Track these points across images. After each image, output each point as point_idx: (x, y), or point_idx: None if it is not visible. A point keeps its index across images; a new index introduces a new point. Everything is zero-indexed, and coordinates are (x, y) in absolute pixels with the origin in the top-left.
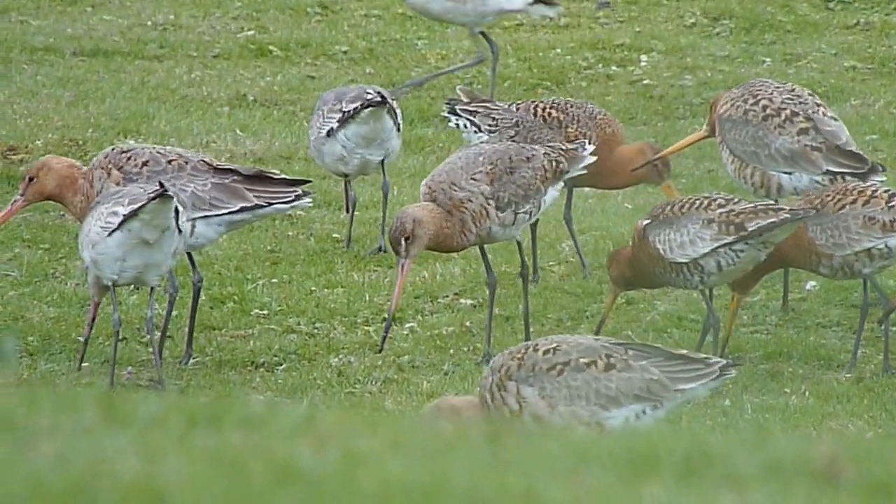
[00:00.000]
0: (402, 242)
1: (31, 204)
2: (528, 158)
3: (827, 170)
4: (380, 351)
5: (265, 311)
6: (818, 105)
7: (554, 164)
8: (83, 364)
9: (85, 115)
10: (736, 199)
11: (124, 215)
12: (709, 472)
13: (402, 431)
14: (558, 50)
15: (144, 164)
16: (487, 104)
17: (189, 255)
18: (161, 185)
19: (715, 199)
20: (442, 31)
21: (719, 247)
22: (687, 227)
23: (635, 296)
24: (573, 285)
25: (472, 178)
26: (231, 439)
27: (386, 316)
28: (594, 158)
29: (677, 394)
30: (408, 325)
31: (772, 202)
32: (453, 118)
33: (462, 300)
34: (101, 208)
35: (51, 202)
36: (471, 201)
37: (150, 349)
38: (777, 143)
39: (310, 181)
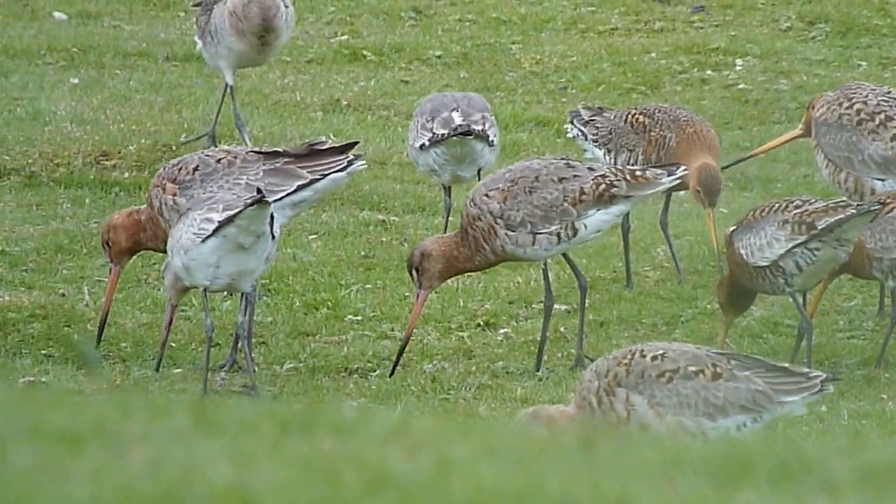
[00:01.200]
0: (414, 274)
1: (125, 264)
2: (561, 179)
3: None
4: (391, 376)
5: (359, 317)
6: None
7: (601, 187)
8: (176, 371)
9: (178, 121)
10: (813, 200)
11: (220, 221)
12: (804, 479)
13: (495, 438)
14: (653, 54)
15: (195, 169)
16: (602, 114)
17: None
18: (259, 191)
19: (793, 201)
20: (536, 35)
21: (794, 247)
22: (765, 230)
23: None
24: (668, 290)
25: (485, 196)
26: (323, 446)
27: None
28: (673, 182)
29: (779, 406)
30: (502, 331)
31: (843, 199)
32: (570, 128)
33: (556, 305)
34: (193, 214)
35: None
36: (480, 219)
37: (242, 355)
38: (870, 149)
39: (357, 143)
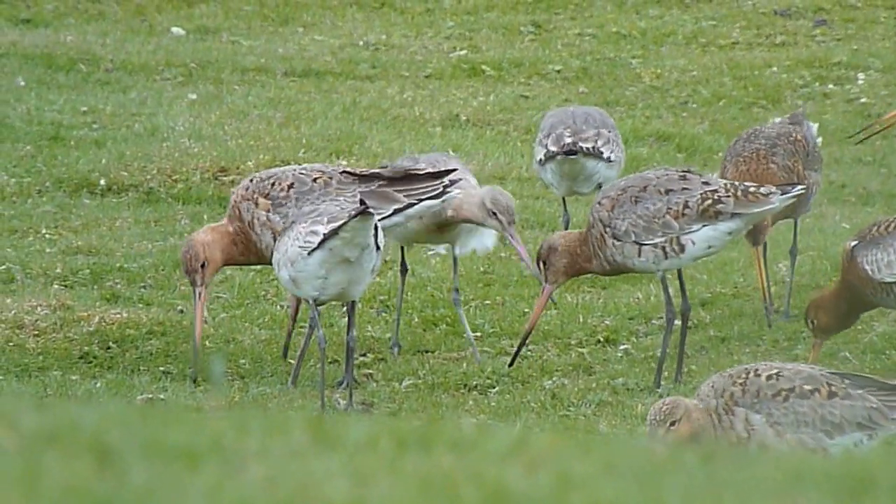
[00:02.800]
0: (541, 267)
1: (210, 286)
2: (668, 191)
3: None
4: (510, 366)
5: (478, 333)
6: None
7: (706, 202)
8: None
9: (296, 136)
10: None
11: (325, 234)
12: None
13: (615, 454)
14: (774, 68)
15: (290, 186)
16: None
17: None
18: (362, 202)
19: None
20: (656, 49)
21: None
22: (893, 246)
23: None
24: (791, 306)
25: (598, 203)
26: (442, 462)
27: (522, 335)
28: (788, 202)
29: (893, 423)
30: (622, 347)
31: None
32: None
33: (676, 321)
34: (299, 227)
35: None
36: (593, 227)
37: (359, 371)
38: None
39: (454, 170)
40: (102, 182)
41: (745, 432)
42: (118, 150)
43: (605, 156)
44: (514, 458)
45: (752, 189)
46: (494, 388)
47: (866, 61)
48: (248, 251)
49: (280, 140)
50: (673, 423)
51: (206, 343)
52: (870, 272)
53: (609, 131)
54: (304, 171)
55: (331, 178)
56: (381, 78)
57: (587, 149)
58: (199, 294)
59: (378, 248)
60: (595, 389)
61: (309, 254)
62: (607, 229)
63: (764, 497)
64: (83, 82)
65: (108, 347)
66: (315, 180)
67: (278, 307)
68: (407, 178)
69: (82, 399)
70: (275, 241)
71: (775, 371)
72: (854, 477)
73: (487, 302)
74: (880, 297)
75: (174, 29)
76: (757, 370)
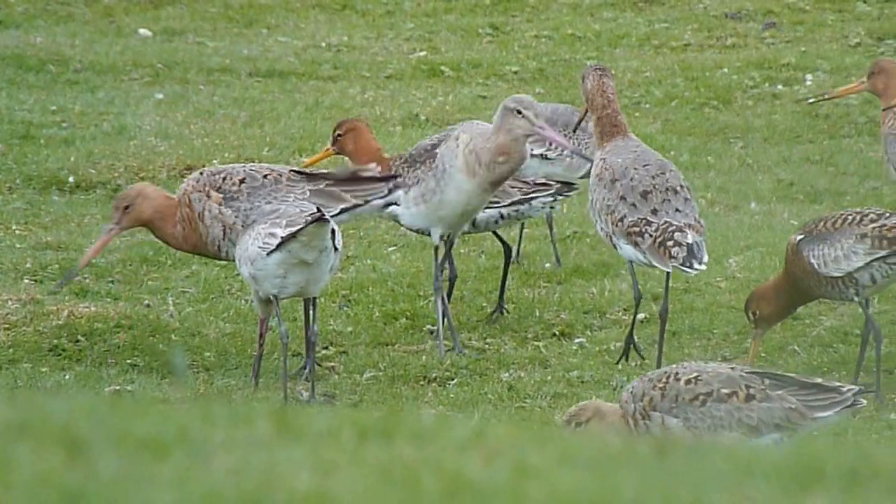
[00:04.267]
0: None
1: (123, 231)
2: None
3: None
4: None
5: (437, 327)
6: None
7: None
8: (259, 380)
9: (260, 135)
10: (888, 214)
11: (282, 237)
12: (873, 485)
13: (570, 445)
14: (725, 69)
15: (242, 181)
16: None
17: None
18: (318, 209)
19: (867, 214)
20: (611, 51)
21: (873, 260)
22: (840, 242)
23: (800, 311)
24: (740, 301)
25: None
26: (403, 453)
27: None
28: None
29: (813, 422)
30: (577, 341)
31: None
32: None
33: (629, 315)
34: (259, 227)
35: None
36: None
37: (321, 364)
38: None
39: (399, 176)
40: (71, 179)
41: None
42: (87, 148)
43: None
44: (472, 449)
45: None
46: (453, 380)
47: (814, 63)
48: (188, 239)
49: (244, 139)
50: (578, 425)
51: (172, 336)
52: (816, 266)
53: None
54: (254, 168)
55: (280, 175)
56: (343, 78)
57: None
58: (108, 231)
59: (336, 249)
60: (551, 382)
61: (268, 254)
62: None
63: (716, 488)
64: (53, 82)
65: (77, 341)
66: (266, 176)
67: (243, 301)
68: (354, 179)
69: (52, 391)
70: (223, 234)
71: (694, 375)
72: (803, 468)
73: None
74: (825, 290)
75: (141, 30)
76: (677, 374)
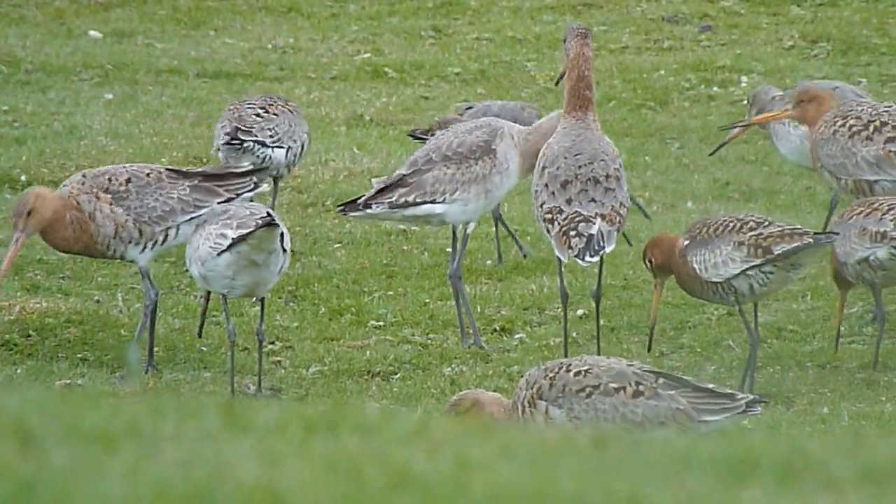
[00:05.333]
0: None
1: (29, 237)
2: None
3: None
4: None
5: (381, 323)
6: None
7: None
8: (206, 374)
9: (208, 135)
10: (767, 223)
11: (233, 239)
12: (807, 477)
13: (512, 438)
14: (662, 71)
15: (128, 181)
16: None
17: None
18: (269, 213)
19: (747, 222)
20: (551, 53)
21: (748, 269)
22: (720, 248)
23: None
24: (676, 297)
25: None
26: (348, 445)
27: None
28: None
29: (700, 425)
30: (517, 336)
31: (798, 226)
32: None
33: (569, 311)
34: (210, 228)
35: None
36: None
37: (268, 358)
38: (863, 151)
39: (264, 169)
40: (23, 178)
41: (543, 424)
42: (38, 147)
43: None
44: (416, 442)
45: None
46: (396, 374)
47: (749, 65)
48: (79, 240)
49: (192, 138)
50: (458, 414)
51: (122, 332)
52: (698, 271)
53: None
54: (134, 168)
55: (161, 173)
56: (289, 79)
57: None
58: (16, 240)
59: (285, 251)
60: (492, 376)
61: (218, 255)
62: None
63: (654, 480)
64: (4, 83)
65: (29, 335)
66: (148, 175)
67: (191, 297)
68: (226, 175)
69: (4, 385)
70: (115, 232)
71: (586, 367)
72: (738, 459)
73: (390, 293)
74: (707, 293)
75: (91, 32)
76: (569, 365)
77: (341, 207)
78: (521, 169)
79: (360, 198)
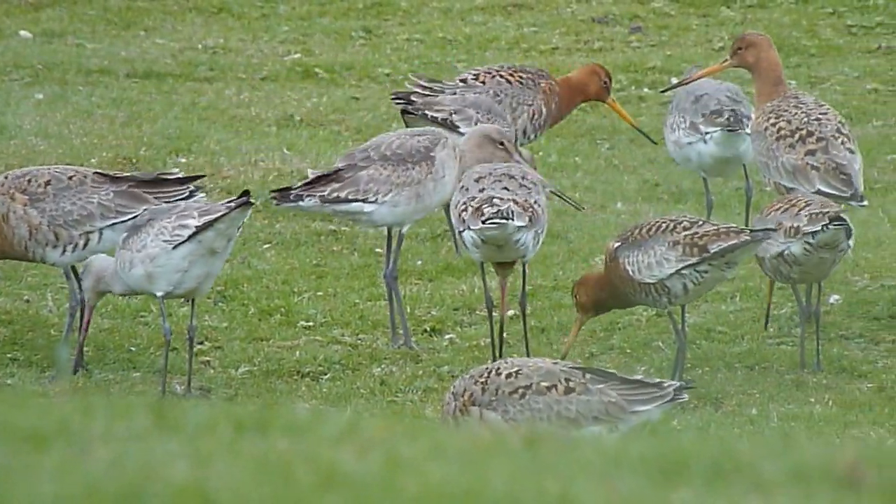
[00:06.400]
0: None
1: None
2: None
3: (819, 188)
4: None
5: (311, 323)
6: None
7: None
8: (136, 374)
9: (138, 135)
10: (701, 222)
11: (197, 226)
12: (736, 478)
13: (441, 438)
14: None
15: (47, 183)
16: None
17: (73, 268)
18: (246, 192)
19: (680, 222)
20: (481, 54)
21: (683, 268)
22: (654, 249)
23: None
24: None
25: None
26: (278, 445)
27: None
28: None
29: (633, 416)
30: (447, 337)
31: (733, 224)
32: None
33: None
34: (160, 224)
35: None
36: None
37: (197, 359)
38: (783, 158)
39: (203, 176)
40: None
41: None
42: None
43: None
44: (346, 442)
45: None
46: (326, 374)
47: (679, 66)
48: None
49: (122, 138)
50: None
51: (52, 331)
52: (631, 273)
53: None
54: (58, 170)
55: (85, 176)
56: (219, 80)
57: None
58: None
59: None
60: (422, 377)
61: (174, 248)
62: None
63: (584, 480)
64: None
65: None
66: (70, 178)
67: (120, 297)
68: (157, 181)
69: None
70: (30, 235)
71: (515, 369)
72: (668, 461)
73: (320, 293)
74: (639, 296)
75: (22, 32)
76: (498, 369)
77: (274, 195)
78: (457, 181)
79: (293, 187)
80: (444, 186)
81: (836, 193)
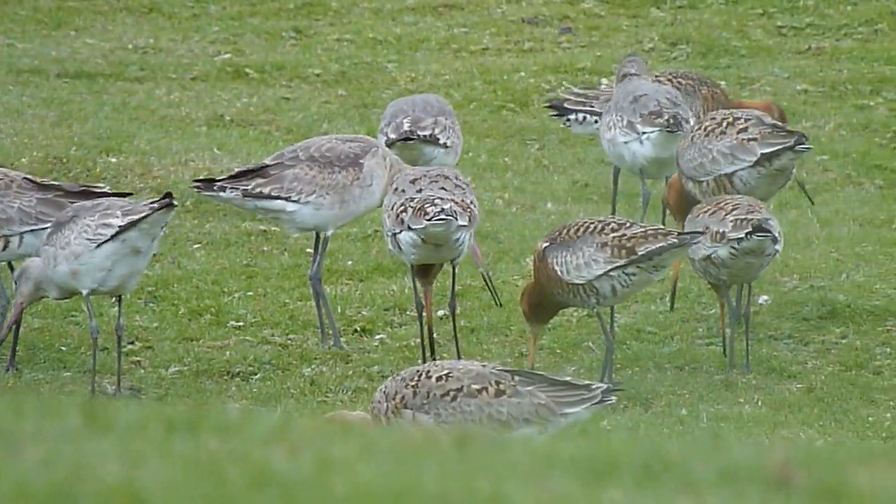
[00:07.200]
0: None
1: None
2: None
3: (761, 153)
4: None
5: (241, 323)
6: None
7: None
8: (66, 374)
9: (68, 135)
10: (629, 224)
11: (120, 226)
12: (666, 478)
13: (372, 438)
14: (522, 73)
15: None
16: None
17: (10, 264)
18: (169, 194)
19: (609, 224)
20: (412, 54)
21: (612, 270)
22: (583, 250)
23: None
24: None
25: None
26: (208, 445)
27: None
28: None
29: (562, 417)
30: (378, 337)
31: (661, 227)
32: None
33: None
34: (83, 222)
35: None
36: None
37: (127, 358)
38: (718, 146)
39: (131, 194)
40: None
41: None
42: None
43: (441, 142)
44: (276, 442)
45: None
46: (256, 374)
47: (609, 67)
48: None
49: (53, 138)
50: None
51: None
52: (559, 273)
53: (446, 118)
54: None
55: (12, 181)
56: (150, 80)
57: (424, 136)
58: None
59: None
60: (352, 377)
61: (97, 246)
62: None
63: (515, 480)
64: None
65: None
66: None
67: (48, 298)
68: (84, 192)
69: None
70: None
71: (445, 372)
72: (599, 461)
73: (250, 293)
74: (568, 296)
75: None
76: (428, 372)
77: (197, 184)
78: (384, 192)
79: (217, 178)
80: (371, 195)
81: (782, 147)
